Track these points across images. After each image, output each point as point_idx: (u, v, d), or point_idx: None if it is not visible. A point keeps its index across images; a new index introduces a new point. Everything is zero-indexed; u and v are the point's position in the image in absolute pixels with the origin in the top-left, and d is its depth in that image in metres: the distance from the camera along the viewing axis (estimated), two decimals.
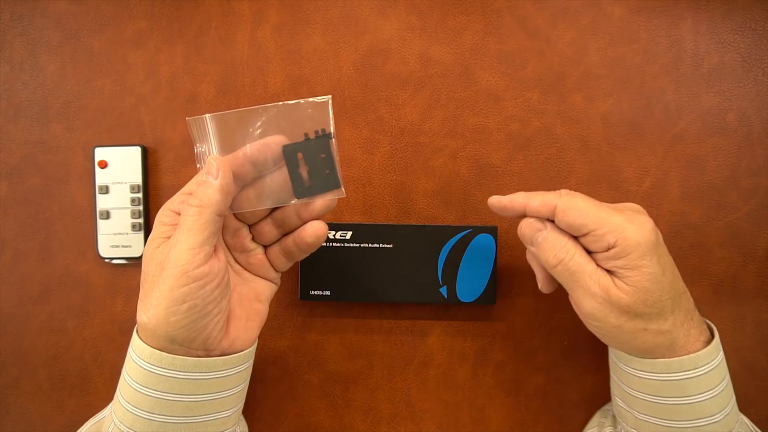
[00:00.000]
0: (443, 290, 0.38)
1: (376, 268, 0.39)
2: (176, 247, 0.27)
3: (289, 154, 0.29)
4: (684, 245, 0.39)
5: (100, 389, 0.42)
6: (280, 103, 0.29)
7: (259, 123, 0.29)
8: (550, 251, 0.29)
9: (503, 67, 0.40)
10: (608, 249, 0.27)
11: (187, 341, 0.27)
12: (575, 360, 0.40)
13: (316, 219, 0.31)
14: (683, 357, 0.28)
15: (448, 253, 0.38)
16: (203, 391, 0.29)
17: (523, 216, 0.31)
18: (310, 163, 0.30)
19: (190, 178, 0.41)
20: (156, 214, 0.41)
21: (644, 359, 0.29)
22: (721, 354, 0.29)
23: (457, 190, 0.40)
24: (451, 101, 0.41)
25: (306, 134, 0.29)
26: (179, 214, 0.29)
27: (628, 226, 0.27)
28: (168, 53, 0.42)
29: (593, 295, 0.28)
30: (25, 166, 0.43)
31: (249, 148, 0.29)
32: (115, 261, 0.42)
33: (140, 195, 0.41)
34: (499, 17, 0.40)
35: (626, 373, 0.31)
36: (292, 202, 0.31)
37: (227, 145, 0.30)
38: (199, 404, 0.29)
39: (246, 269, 0.33)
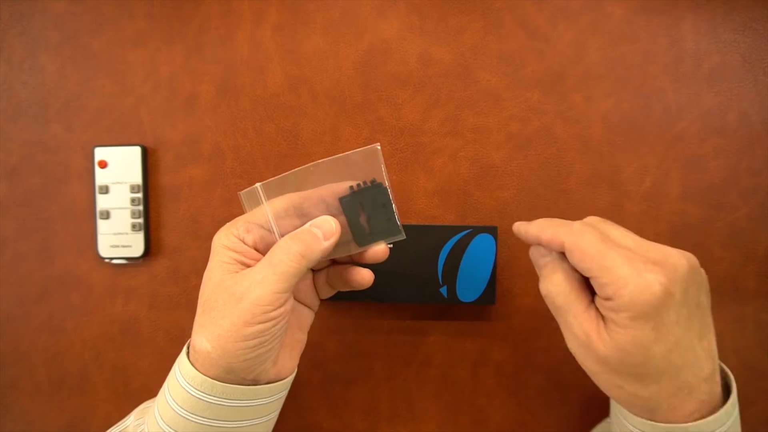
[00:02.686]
0: (443, 290, 0.38)
1: (376, 268, 0.38)
2: (262, 285, 0.27)
3: (346, 205, 0.30)
4: (684, 245, 0.39)
5: (100, 389, 0.42)
6: (329, 158, 0.29)
7: (312, 181, 0.30)
8: (543, 280, 0.29)
9: (503, 67, 0.40)
10: (606, 299, 0.26)
11: (245, 372, 0.28)
12: (575, 360, 0.40)
13: (372, 260, 0.32)
14: (689, 424, 0.25)
15: (448, 253, 0.38)
16: (246, 417, 0.29)
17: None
18: (368, 210, 0.30)
19: (190, 178, 0.42)
20: (154, 213, 0.42)
21: (636, 416, 0.27)
22: (733, 417, 0.26)
23: (457, 190, 0.40)
24: (451, 101, 0.41)
25: (359, 184, 0.30)
26: (244, 242, 0.29)
27: (630, 282, 0.24)
28: (168, 53, 0.42)
29: (575, 335, 0.28)
30: (24, 166, 0.43)
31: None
32: (115, 261, 0.42)
33: (140, 195, 0.41)
34: (499, 17, 0.40)
35: (618, 418, 0.30)
36: (357, 251, 0.31)
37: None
38: (240, 429, 0.29)
39: (293, 296, 0.32)
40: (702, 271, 0.27)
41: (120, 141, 0.42)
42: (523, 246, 0.40)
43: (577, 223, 0.28)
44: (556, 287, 0.28)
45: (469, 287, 0.38)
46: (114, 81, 0.42)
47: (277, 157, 0.41)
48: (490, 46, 0.40)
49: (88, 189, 0.42)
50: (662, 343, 0.25)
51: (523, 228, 0.30)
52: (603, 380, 0.27)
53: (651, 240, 0.39)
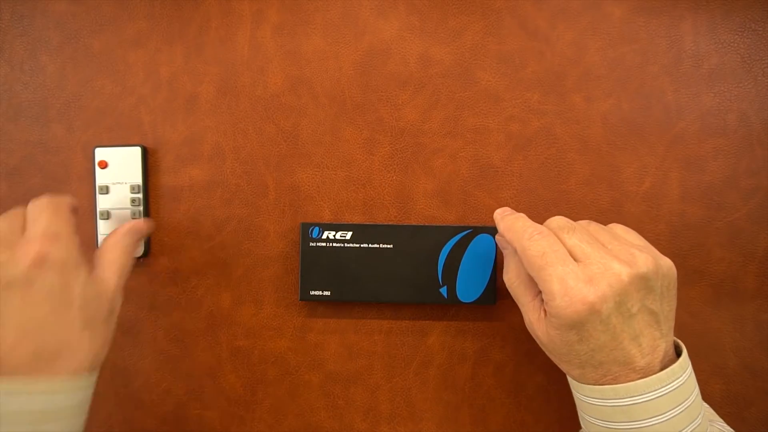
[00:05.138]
0: (443, 290, 0.38)
1: (376, 268, 0.39)
2: None
3: None
4: (684, 245, 0.39)
5: (100, 389, 0.42)
6: None
7: None
8: (504, 267, 0.34)
9: (503, 67, 0.40)
10: (544, 301, 0.30)
11: None
12: None
13: None
14: (629, 384, 0.27)
15: (448, 253, 0.38)
16: None
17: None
18: None
19: (190, 178, 0.42)
20: (154, 213, 0.42)
21: (594, 386, 0.29)
22: (678, 381, 0.28)
23: (457, 190, 0.41)
24: (451, 101, 0.41)
25: None
26: None
27: (557, 297, 0.28)
28: (168, 53, 0.42)
29: (525, 319, 0.32)
30: (25, 167, 0.43)
31: None
32: None
33: (140, 195, 0.41)
34: (499, 17, 0.40)
35: (580, 400, 0.31)
36: None
37: None
38: None
39: None
40: (660, 271, 0.28)
41: (120, 141, 0.42)
42: None
43: (534, 230, 0.30)
44: (508, 278, 0.33)
45: (469, 287, 0.38)
46: (114, 81, 0.42)
47: (278, 158, 0.41)
48: (490, 46, 0.40)
49: (89, 189, 0.42)
50: (585, 344, 0.28)
51: (497, 219, 0.34)
52: (548, 355, 0.32)
53: (651, 240, 0.39)
